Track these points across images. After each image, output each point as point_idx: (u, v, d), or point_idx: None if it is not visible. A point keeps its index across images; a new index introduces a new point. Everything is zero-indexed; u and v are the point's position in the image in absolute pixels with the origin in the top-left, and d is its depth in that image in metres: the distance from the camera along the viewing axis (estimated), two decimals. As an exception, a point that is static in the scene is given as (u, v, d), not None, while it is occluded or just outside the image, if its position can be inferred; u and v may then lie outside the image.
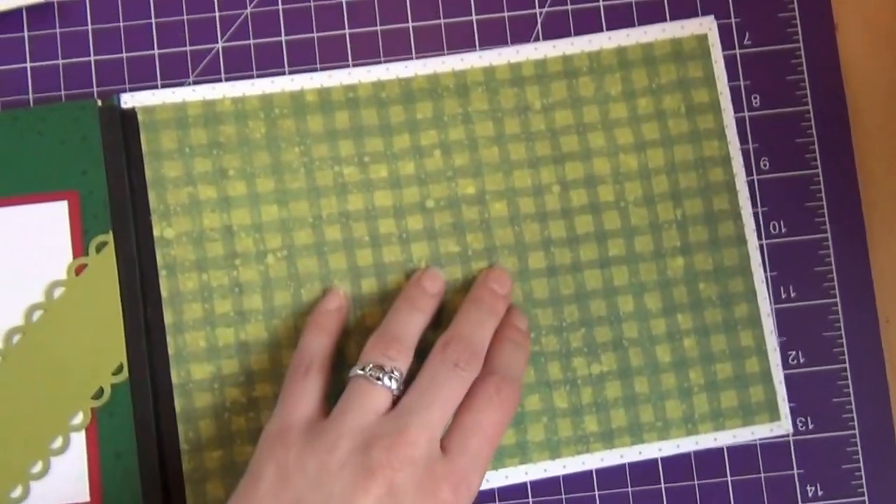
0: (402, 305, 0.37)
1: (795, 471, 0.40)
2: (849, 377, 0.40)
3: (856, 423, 0.40)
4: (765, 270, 0.41)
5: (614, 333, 0.40)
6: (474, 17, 0.42)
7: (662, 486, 0.40)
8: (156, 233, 0.38)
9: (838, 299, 0.41)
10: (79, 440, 0.36)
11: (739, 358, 0.40)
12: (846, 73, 0.42)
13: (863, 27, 0.42)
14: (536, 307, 0.39)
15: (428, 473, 0.33)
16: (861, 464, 0.40)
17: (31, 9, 0.39)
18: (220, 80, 0.41)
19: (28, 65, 0.39)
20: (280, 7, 0.41)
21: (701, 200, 0.40)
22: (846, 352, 0.41)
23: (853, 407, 0.40)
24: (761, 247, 0.41)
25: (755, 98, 0.42)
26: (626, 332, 0.40)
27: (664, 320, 0.40)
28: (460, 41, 0.41)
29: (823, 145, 0.41)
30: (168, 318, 0.38)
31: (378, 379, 0.34)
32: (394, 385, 0.35)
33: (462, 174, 0.40)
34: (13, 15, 0.38)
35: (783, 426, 0.40)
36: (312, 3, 0.41)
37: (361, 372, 0.35)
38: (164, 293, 0.38)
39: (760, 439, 0.40)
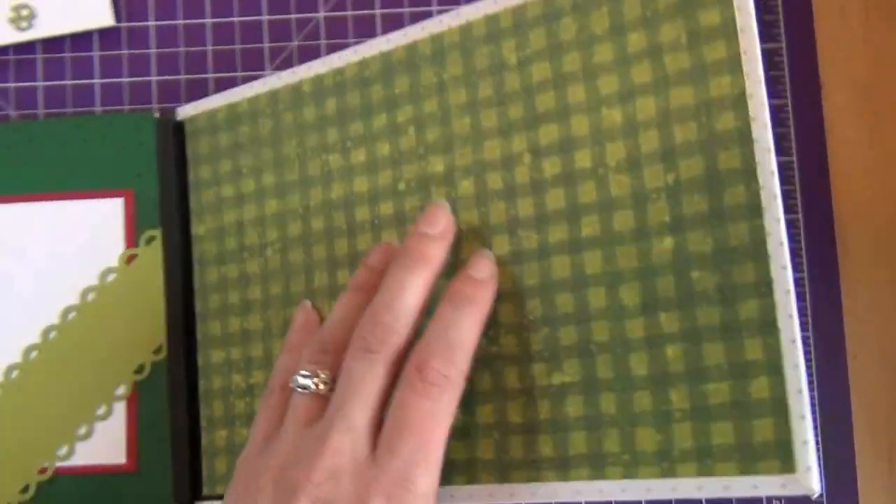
0: (335, 307, 0.35)
1: None
2: (816, 410, 0.40)
3: (821, 454, 0.39)
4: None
5: (581, 335, 0.31)
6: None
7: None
8: (192, 230, 0.42)
9: (811, 335, 0.41)
10: (120, 409, 0.41)
11: (742, 377, 0.28)
12: (830, 130, 0.42)
13: (848, 88, 0.42)
14: (497, 301, 0.33)
15: (356, 481, 0.30)
16: (824, 500, 0.39)
17: (101, 32, 0.44)
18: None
19: (97, 81, 0.45)
20: (349, 12, 0.42)
21: (701, 158, 0.30)
22: (815, 384, 0.40)
23: (819, 440, 0.39)
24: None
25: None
26: (594, 334, 0.31)
27: (642, 320, 0.30)
28: None
29: (805, 193, 0.41)
30: (198, 306, 0.41)
31: (303, 388, 0.33)
32: (321, 388, 0.33)
33: (433, 151, 0.35)
34: (85, 37, 0.45)
35: (803, 482, 0.26)
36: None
37: (292, 386, 0.33)
38: (196, 284, 0.41)
39: (767, 497, 0.27)
